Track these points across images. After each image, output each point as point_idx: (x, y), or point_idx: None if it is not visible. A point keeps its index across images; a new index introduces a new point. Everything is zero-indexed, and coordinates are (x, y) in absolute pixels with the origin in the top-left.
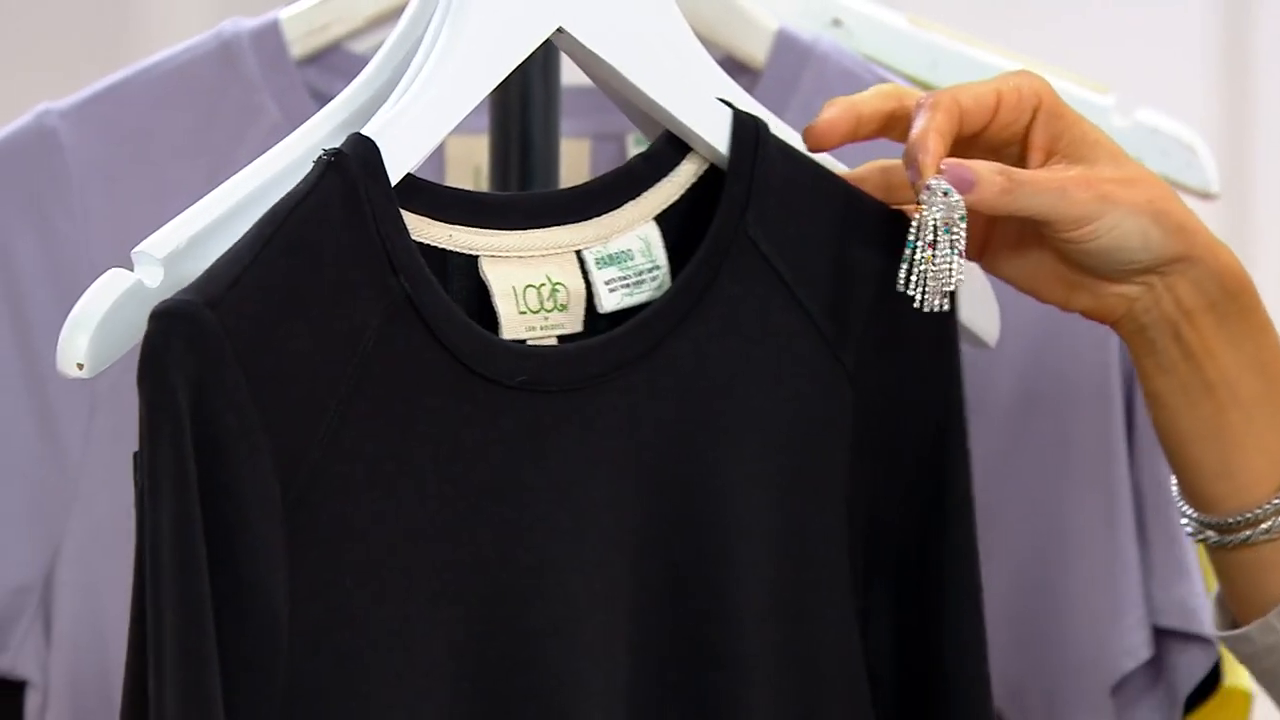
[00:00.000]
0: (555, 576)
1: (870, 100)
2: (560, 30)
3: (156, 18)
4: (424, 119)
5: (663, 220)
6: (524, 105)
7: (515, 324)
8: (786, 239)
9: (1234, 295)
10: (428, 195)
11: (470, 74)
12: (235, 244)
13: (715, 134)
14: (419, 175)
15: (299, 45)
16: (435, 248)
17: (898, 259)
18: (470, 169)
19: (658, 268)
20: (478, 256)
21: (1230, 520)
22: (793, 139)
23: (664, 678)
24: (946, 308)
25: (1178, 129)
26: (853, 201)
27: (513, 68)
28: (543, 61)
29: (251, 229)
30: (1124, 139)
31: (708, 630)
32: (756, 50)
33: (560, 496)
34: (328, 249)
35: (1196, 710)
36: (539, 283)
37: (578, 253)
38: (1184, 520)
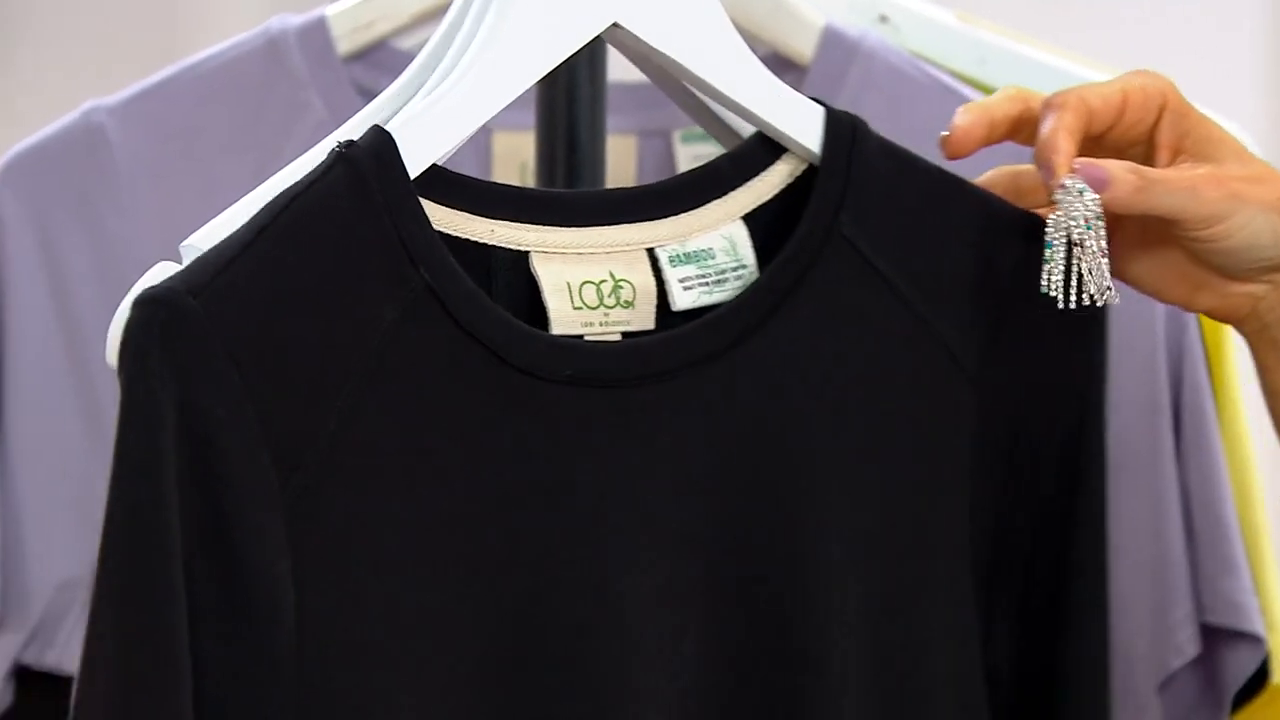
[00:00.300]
0: (603, 574)
1: (1001, 104)
2: (616, 26)
3: (205, 15)
4: (455, 111)
5: (752, 220)
6: (570, 101)
7: (569, 320)
8: (891, 239)
9: None
10: (467, 190)
11: (509, 67)
12: (232, 233)
13: (806, 133)
14: (466, 173)
15: (345, 42)
16: (476, 243)
17: (1028, 259)
18: (516, 165)
19: (743, 267)
20: (528, 253)
21: None
22: None
23: (738, 682)
24: (1099, 303)
25: (1228, 125)
26: (972, 201)
27: (558, 62)
28: (589, 57)
29: (252, 218)
30: None
31: (792, 633)
32: (804, 47)
33: (613, 493)
34: (331, 239)
35: (1244, 708)
36: (599, 279)
37: (650, 250)
38: None
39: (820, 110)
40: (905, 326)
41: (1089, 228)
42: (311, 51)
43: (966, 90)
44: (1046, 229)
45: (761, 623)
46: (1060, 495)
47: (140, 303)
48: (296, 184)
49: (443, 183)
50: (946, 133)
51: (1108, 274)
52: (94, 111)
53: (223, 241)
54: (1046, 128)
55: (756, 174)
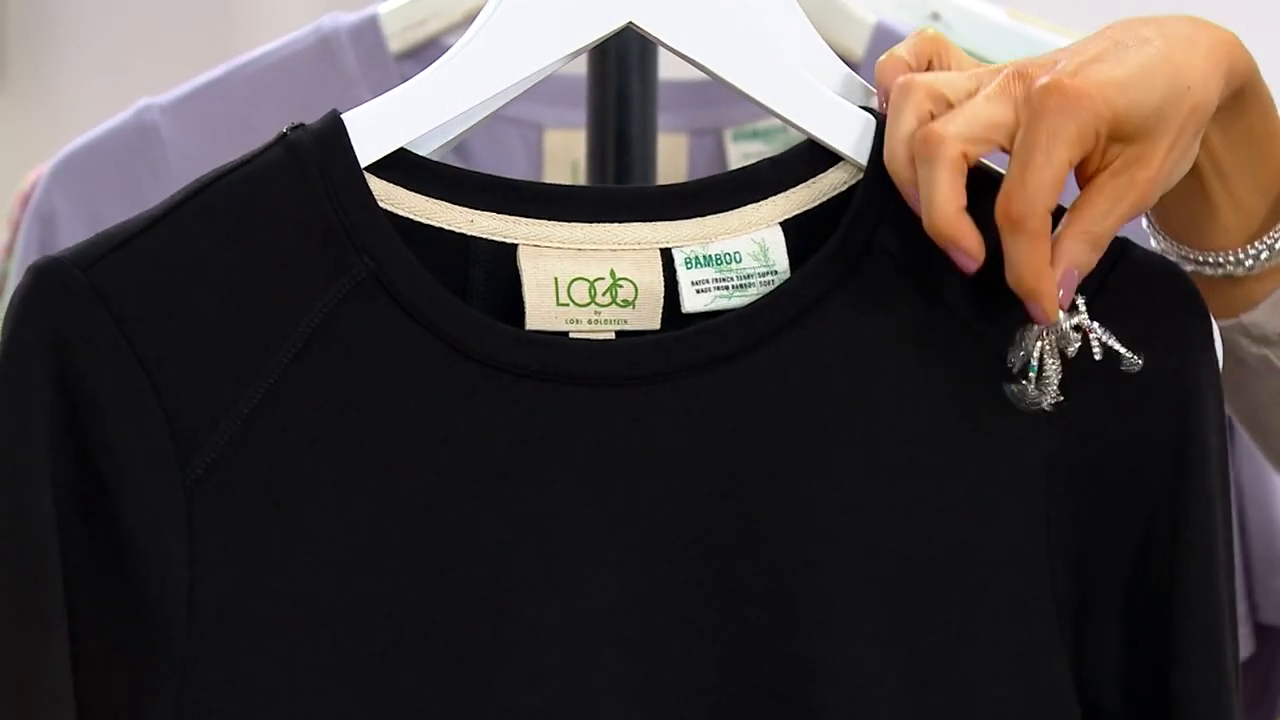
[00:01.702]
0: (555, 573)
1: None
2: (631, 26)
3: (258, 13)
4: (426, 99)
5: (794, 227)
6: (621, 99)
7: (549, 316)
8: (945, 256)
9: (1236, 91)
10: (448, 179)
11: (498, 59)
12: (147, 210)
13: (852, 141)
14: (517, 170)
15: (397, 40)
16: (454, 233)
17: (1103, 274)
18: (568, 163)
19: (774, 273)
20: (516, 246)
21: (1197, 257)
22: None
23: (730, 691)
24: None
25: None
26: None
27: (559, 57)
28: (640, 56)
29: (171, 195)
30: None
31: (783, 643)
32: (855, 44)
33: (575, 495)
34: (256, 219)
35: None
36: (595, 277)
37: (665, 250)
38: (1156, 243)
39: (870, 120)
40: (959, 346)
41: (1058, 366)
42: (363, 49)
43: None
44: (1028, 336)
45: (744, 651)
46: (1164, 520)
47: (27, 273)
48: (227, 164)
49: (421, 172)
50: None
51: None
52: (147, 110)
53: (133, 217)
54: (1017, 258)
55: (802, 180)
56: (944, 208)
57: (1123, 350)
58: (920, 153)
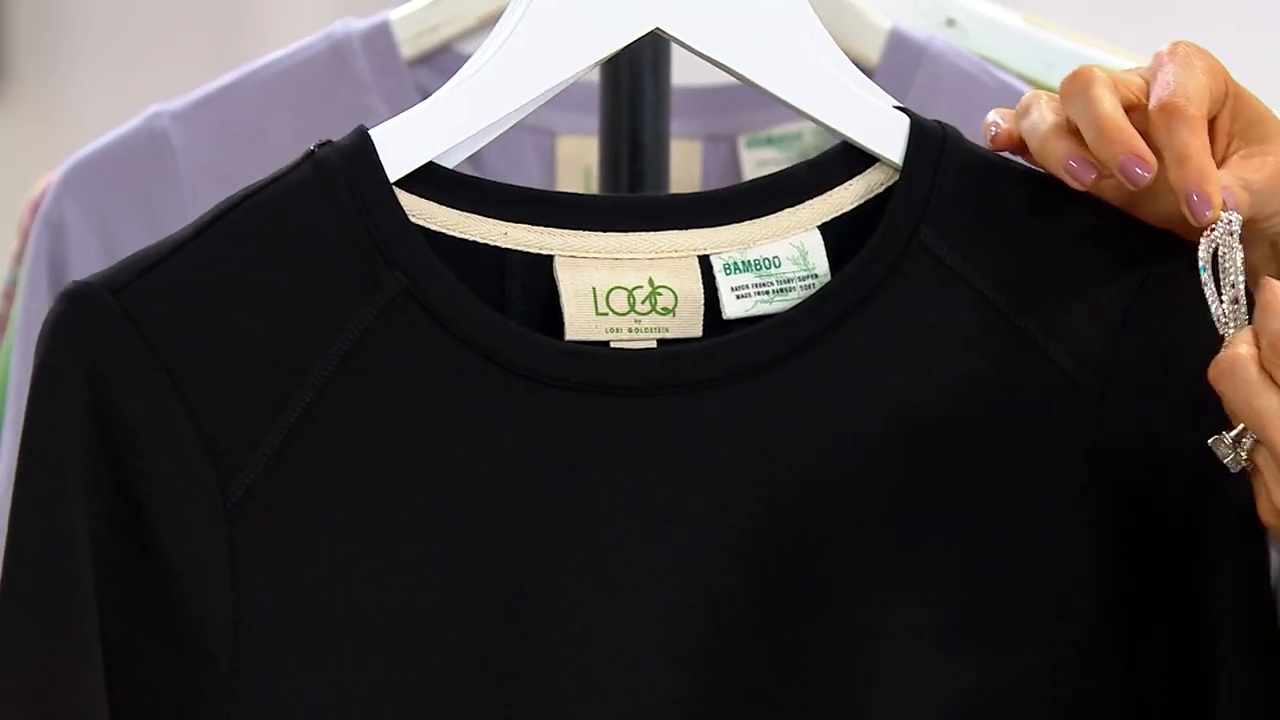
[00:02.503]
0: (593, 594)
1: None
2: (658, 31)
3: (268, 20)
4: (455, 111)
5: (832, 230)
6: (633, 106)
7: (588, 326)
8: (987, 252)
9: None
10: (479, 192)
11: (524, 69)
12: (175, 232)
13: (887, 142)
14: (530, 178)
15: (409, 46)
16: (488, 246)
17: (1159, 275)
18: (580, 170)
19: (814, 276)
20: (552, 257)
21: None
22: None
23: (772, 685)
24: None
25: None
26: (1090, 214)
27: (586, 66)
28: (653, 61)
29: (200, 216)
30: None
31: (838, 651)
32: (870, 50)
33: (624, 507)
34: (286, 238)
35: None
36: (633, 285)
37: (704, 258)
38: None
39: (904, 119)
40: (1003, 342)
41: (1241, 272)
42: (375, 55)
43: None
44: (1200, 260)
45: (796, 658)
46: (1210, 521)
47: (59, 299)
48: (254, 184)
49: (451, 185)
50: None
51: (1246, 306)
52: (157, 117)
53: (161, 240)
54: (1181, 139)
55: (840, 182)
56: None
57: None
58: (1164, 120)
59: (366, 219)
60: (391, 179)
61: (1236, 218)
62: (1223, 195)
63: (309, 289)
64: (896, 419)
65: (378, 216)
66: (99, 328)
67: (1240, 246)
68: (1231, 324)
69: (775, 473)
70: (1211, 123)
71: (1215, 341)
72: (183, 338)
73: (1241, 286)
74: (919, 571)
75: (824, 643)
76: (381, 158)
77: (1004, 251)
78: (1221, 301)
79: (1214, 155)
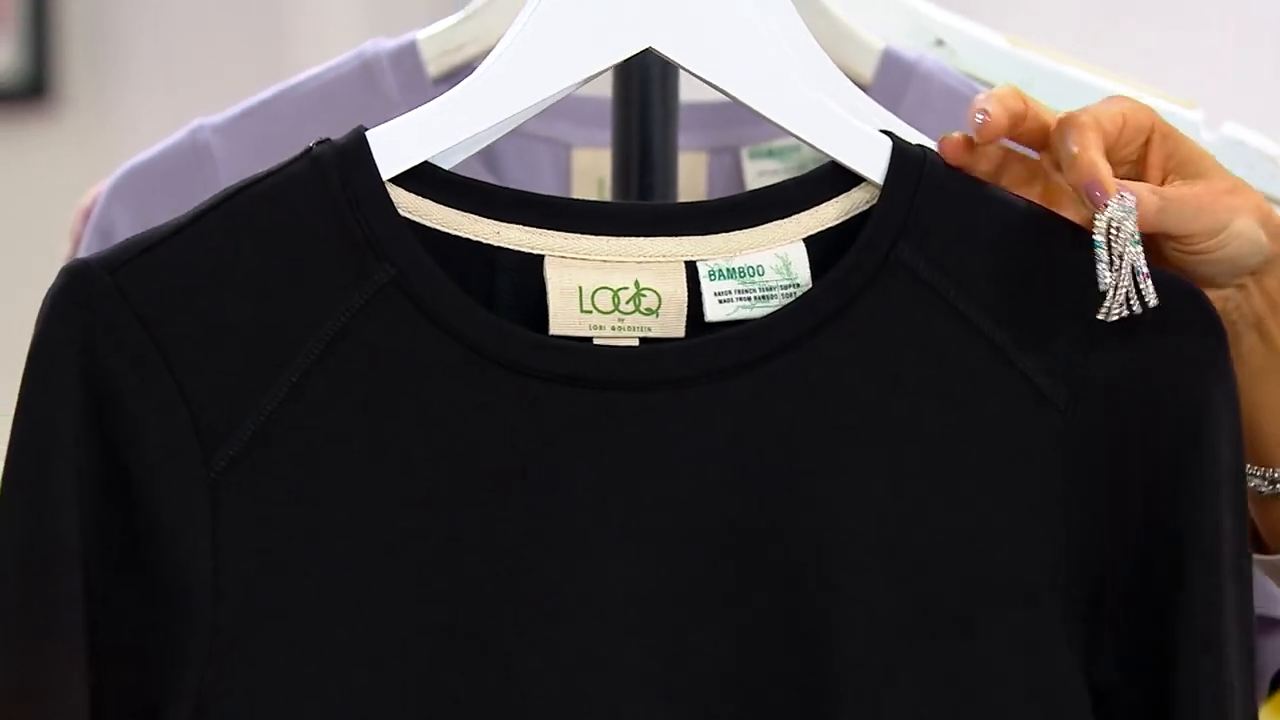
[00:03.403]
0: (563, 577)
1: (1013, 100)
2: (651, 50)
3: (305, 40)
4: (450, 115)
5: (816, 244)
6: (644, 120)
7: (573, 322)
8: (962, 270)
9: None
10: (474, 194)
11: (519, 79)
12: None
13: (869, 163)
14: (547, 187)
15: (435, 65)
16: (480, 243)
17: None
18: (594, 180)
19: (796, 285)
20: (543, 257)
21: None
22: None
23: (753, 676)
24: (1142, 308)
25: (1262, 142)
26: (1062, 235)
27: (579, 80)
28: (661, 79)
29: (198, 204)
30: (1211, 152)
31: (797, 663)
32: (864, 69)
33: (599, 495)
34: (280, 228)
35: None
36: (619, 286)
37: (690, 263)
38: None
39: (888, 142)
40: (976, 355)
41: (1135, 243)
42: (403, 74)
43: None
44: (1095, 235)
45: (763, 645)
46: (1172, 527)
47: (60, 274)
48: (253, 175)
49: (447, 185)
50: (981, 118)
51: (1151, 291)
52: (200, 130)
53: (163, 224)
54: (1075, 148)
55: (825, 199)
56: (1090, 156)
57: (1148, 291)
58: (1059, 131)
59: (357, 211)
60: (386, 176)
61: (1130, 196)
62: (1119, 188)
63: (299, 275)
64: (869, 422)
65: (368, 210)
66: (94, 302)
67: (1135, 223)
68: (1119, 291)
69: (748, 468)
70: (1143, 157)
71: (1177, 360)
72: (175, 316)
73: (1131, 257)
74: (886, 565)
75: (790, 627)
76: (376, 156)
77: (979, 269)
78: (1112, 270)
79: (1148, 183)
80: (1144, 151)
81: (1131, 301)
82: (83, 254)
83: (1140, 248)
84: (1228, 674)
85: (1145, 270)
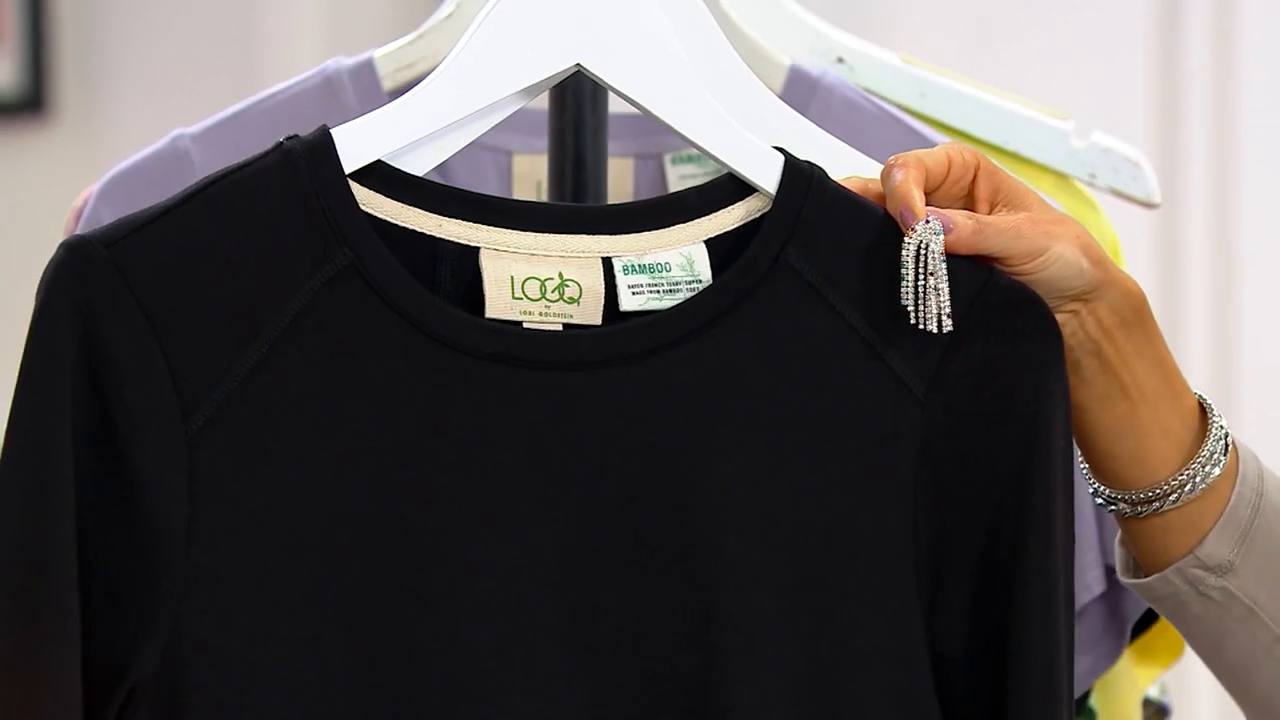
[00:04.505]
0: (487, 532)
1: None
2: (580, 68)
3: (274, 58)
4: (400, 120)
5: (715, 246)
6: (577, 129)
7: (505, 307)
8: (840, 273)
9: (1137, 310)
10: (421, 190)
11: (460, 91)
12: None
13: (765, 176)
14: (490, 187)
15: (390, 80)
16: (423, 234)
17: (975, 298)
18: (533, 183)
19: (699, 281)
20: (479, 249)
21: (1141, 495)
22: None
23: (630, 670)
24: (942, 329)
25: (1126, 149)
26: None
27: (512, 92)
28: (592, 94)
29: (185, 189)
30: (1081, 157)
31: (687, 616)
32: (774, 83)
33: (520, 457)
34: (254, 213)
35: (1142, 635)
36: (545, 277)
37: (606, 259)
38: (1098, 499)
39: (780, 157)
40: (850, 350)
41: (940, 262)
42: (361, 88)
43: (909, 120)
44: (903, 255)
45: (661, 600)
46: (1011, 507)
47: (60, 248)
48: (233, 165)
49: (397, 182)
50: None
51: (948, 304)
52: (179, 138)
53: (153, 205)
54: (897, 180)
55: (723, 206)
56: (907, 185)
57: (936, 303)
58: (885, 172)
59: (322, 201)
60: (346, 170)
61: (935, 222)
62: (932, 215)
63: (269, 257)
64: (757, 406)
65: (331, 200)
66: (91, 274)
67: (942, 245)
68: (916, 303)
69: (652, 442)
70: (971, 192)
71: (1019, 359)
72: (161, 288)
73: (937, 274)
74: (768, 534)
75: (683, 587)
76: (339, 152)
77: (856, 273)
78: (915, 283)
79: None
80: (972, 187)
81: (942, 315)
82: None
83: (945, 268)
84: (1056, 642)
85: (945, 289)
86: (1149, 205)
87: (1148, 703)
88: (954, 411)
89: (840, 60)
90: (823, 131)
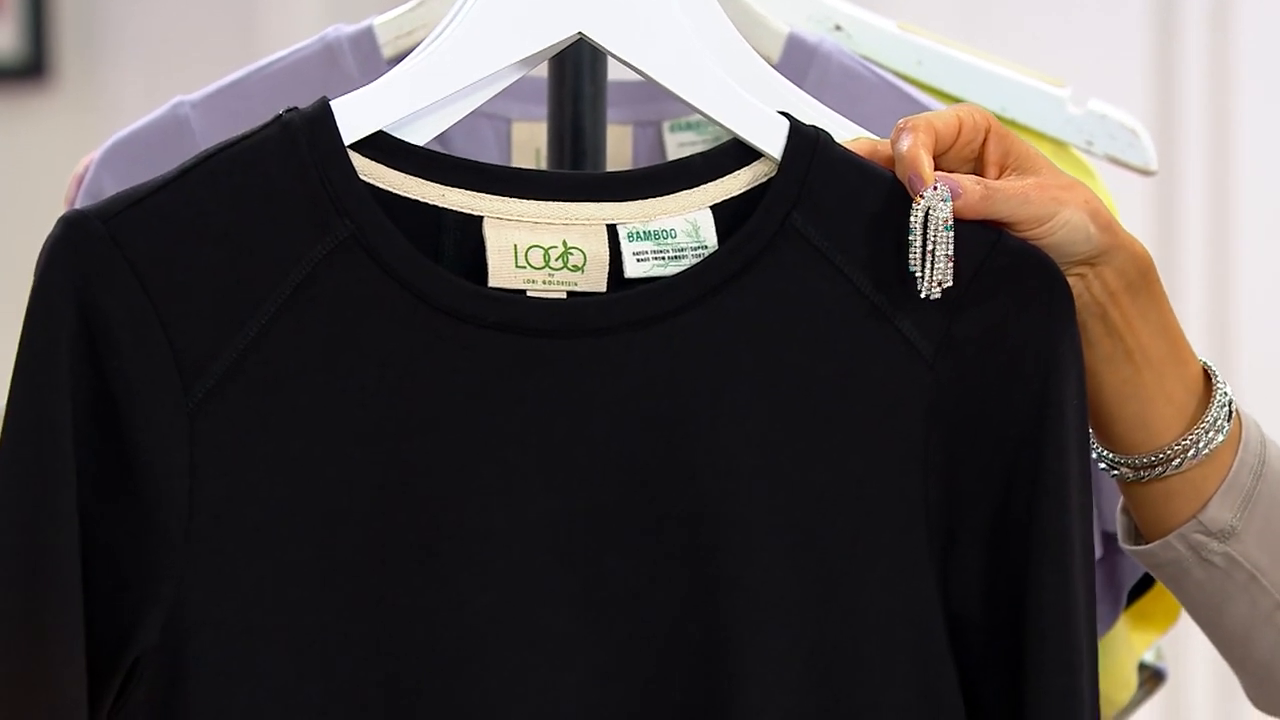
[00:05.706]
0: (506, 492)
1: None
2: (582, 36)
3: (275, 25)
4: (401, 90)
5: (720, 211)
6: (575, 96)
7: (508, 276)
8: (848, 237)
9: (1144, 274)
10: (423, 160)
11: (460, 61)
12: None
13: (770, 141)
14: (490, 155)
15: (389, 47)
16: (426, 204)
17: (984, 261)
18: (532, 150)
19: (704, 247)
20: (482, 218)
21: (1144, 459)
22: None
23: (636, 632)
24: (936, 293)
25: (1123, 116)
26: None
27: (513, 62)
28: (591, 61)
29: (183, 162)
30: (1078, 124)
31: (702, 582)
32: (771, 51)
33: (526, 426)
34: (253, 185)
35: (1138, 600)
36: (549, 245)
37: (611, 226)
38: (1102, 463)
39: (785, 122)
40: (858, 314)
41: (947, 229)
42: (361, 55)
43: (907, 87)
44: (911, 221)
45: (669, 565)
46: (1025, 467)
47: (59, 223)
48: (231, 138)
49: (398, 152)
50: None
51: (951, 269)
52: (180, 105)
53: (152, 179)
54: (906, 145)
55: (728, 172)
56: (915, 149)
57: (941, 268)
58: (894, 134)
59: (321, 172)
60: (346, 142)
61: (945, 187)
62: (943, 181)
63: (270, 228)
64: (765, 370)
65: (331, 171)
66: (90, 248)
67: (949, 211)
68: (924, 268)
69: (658, 409)
70: (982, 155)
71: (1030, 320)
72: (160, 261)
73: (943, 241)
74: (777, 499)
75: (692, 552)
76: (339, 123)
77: (863, 237)
78: (923, 249)
79: (986, 178)
80: (982, 150)
81: (944, 281)
82: None
83: (951, 234)
84: (1074, 601)
85: (950, 254)
86: (1146, 172)
87: (1144, 667)
88: (964, 373)
89: (838, 28)
90: (818, 103)
